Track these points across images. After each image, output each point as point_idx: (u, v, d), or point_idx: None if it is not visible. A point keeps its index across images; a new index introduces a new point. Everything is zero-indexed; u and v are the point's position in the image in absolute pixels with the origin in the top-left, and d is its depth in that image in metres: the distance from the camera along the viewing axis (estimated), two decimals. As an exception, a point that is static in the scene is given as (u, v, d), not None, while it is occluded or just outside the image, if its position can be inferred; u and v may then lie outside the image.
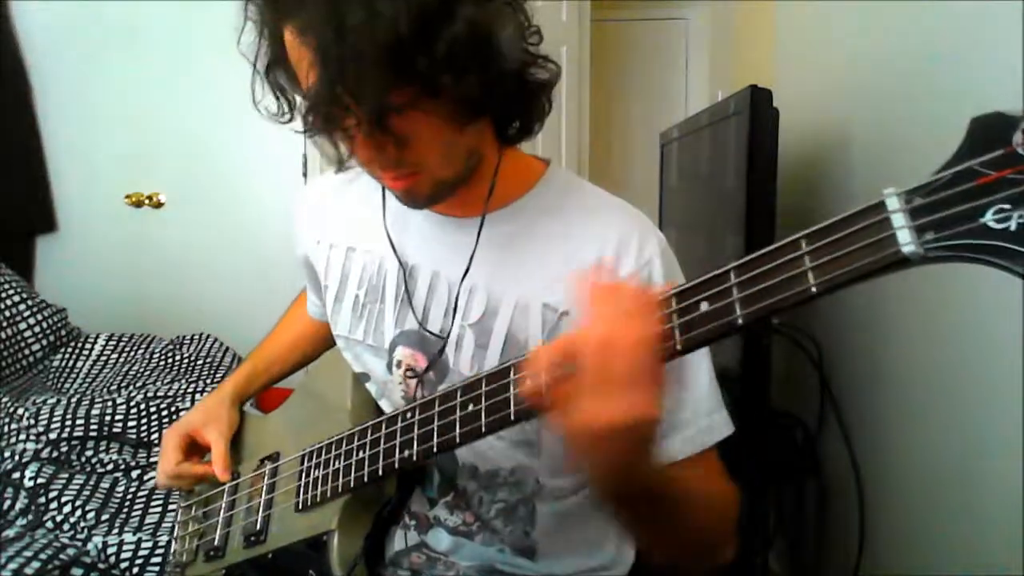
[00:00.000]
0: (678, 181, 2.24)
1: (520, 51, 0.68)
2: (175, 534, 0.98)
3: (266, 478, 0.87)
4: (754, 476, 1.59)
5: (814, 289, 0.44)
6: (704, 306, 0.49)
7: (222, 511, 0.91)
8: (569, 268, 0.77)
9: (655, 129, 2.64)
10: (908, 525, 1.44)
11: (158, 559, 1.18)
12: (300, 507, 0.80)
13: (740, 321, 0.48)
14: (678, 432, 0.77)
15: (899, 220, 0.41)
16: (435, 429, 0.65)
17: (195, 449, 0.97)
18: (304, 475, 0.81)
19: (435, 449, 0.65)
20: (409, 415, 0.68)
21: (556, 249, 0.79)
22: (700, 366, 0.78)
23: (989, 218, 0.39)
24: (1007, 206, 0.38)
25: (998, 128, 0.39)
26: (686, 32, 3.87)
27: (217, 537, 0.89)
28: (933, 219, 0.40)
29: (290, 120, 0.74)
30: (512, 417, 0.59)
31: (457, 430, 0.63)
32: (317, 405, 0.89)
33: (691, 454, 0.77)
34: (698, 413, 0.78)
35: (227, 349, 2.14)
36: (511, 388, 0.59)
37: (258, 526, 0.84)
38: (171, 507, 1.34)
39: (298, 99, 0.71)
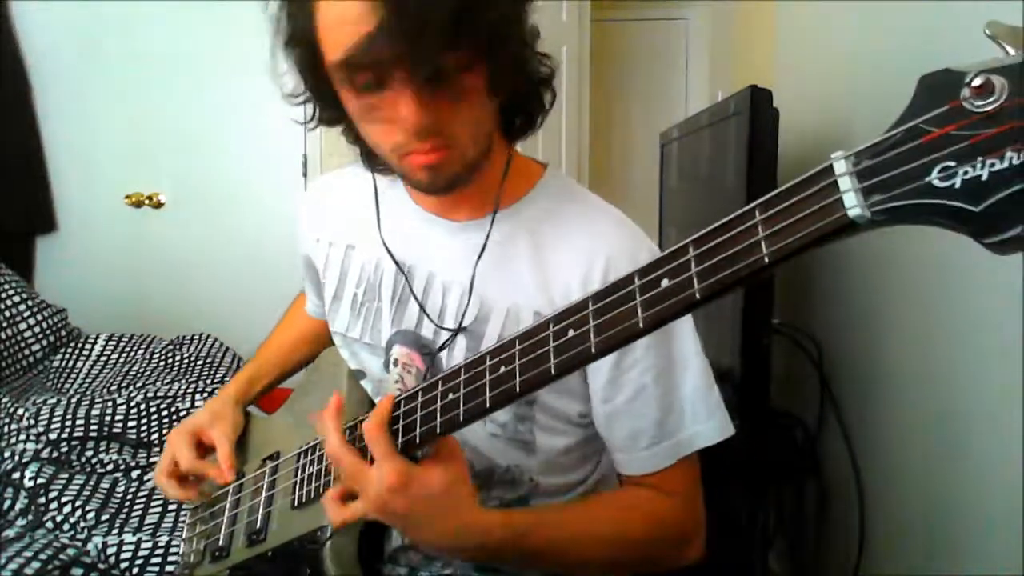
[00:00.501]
0: (678, 181, 2.24)
1: (537, 35, 0.74)
2: (183, 535, 0.98)
3: (267, 477, 0.88)
4: (754, 476, 1.59)
5: (767, 259, 0.43)
6: (665, 283, 0.49)
7: (227, 511, 0.92)
8: (561, 279, 0.78)
9: (655, 129, 2.64)
10: (908, 525, 1.44)
11: (158, 559, 1.18)
12: (296, 504, 0.81)
13: (698, 296, 0.47)
14: (653, 445, 0.78)
15: (846, 183, 0.40)
16: (417, 419, 0.65)
17: (201, 449, 0.96)
18: (300, 472, 0.82)
19: (417, 440, 0.65)
20: (394, 408, 0.68)
21: (549, 258, 0.79)
22: (686, 376, 0.79)
23: (934, 177, 0.38)
24: (952, 163, 0.37)
25: (946, 84, 0.38)
26: (686, 32, 3.87)
27: (222, 537, 0.90)
28: (879, 180, 0.39)
29: (305, 101, 0.75)
30: (488, 405, 0.59)
31: (438, 419, 0.63)
32: (316, 403, 0.90)
33: (658, 468, 0.79)
34: (678, 426, 0.78)
35: (227, 349, 2.14)
36: (487, 375, 0.60)
37: (259, 525, 0.85)
38: (171, 507, 1.34)
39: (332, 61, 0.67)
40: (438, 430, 0.63)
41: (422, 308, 0.83)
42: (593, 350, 0.52)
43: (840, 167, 0.41)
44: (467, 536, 0.67)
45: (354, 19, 0.62)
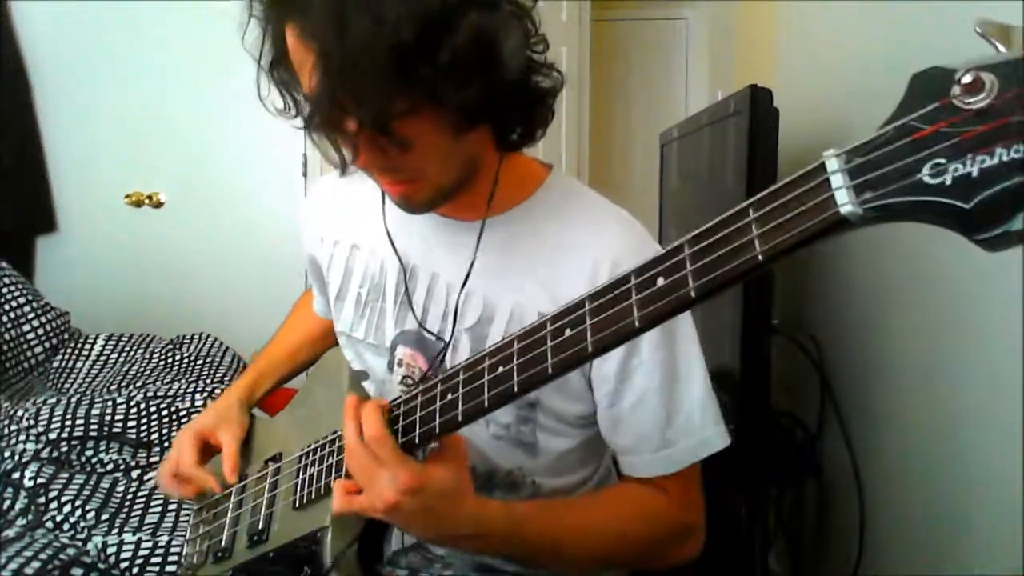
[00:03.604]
0: (678, 181, 2.24)
1: (524, 60, 0.68)
2: (186, 536, 0.98)
3: (269, 478, 0.88)
4: (754, 476, 1.59)
5: (760, 257, 0.43)
6: (660, 281, 0.49)
7: (230, 512, 0.92)
8: (565, 278, 0.77)
9: (655, 129, 2.64)
10: (908, 526, 1.44)
11: (158, 559, 1.18)
12: (297, 504, 0.81)
13: (693, 295, 0.47)
14: (662, 449, 0.78)
15: (838, 180, 0.40)
16: (417, 420, 0.65)
17: (207, 451, 0.96)
18: (301, 473, 0.82)
19: (416, 440, 0.65)
20: (394, 409, 0.68)
21: (553, 258, 0.79)
22: (691, 381, 0.78)
23: (925, 174, 0.37)
24: (942, 160, 0.37)
25: (936, 81, 0.38)
26: (686, 32, 3.87)
27: (224, 538, 0.90)
28: (871, 178, 0.39)
29: (296, 116, 0.74)
30: (486, 404, 0.60)
31: (437, 419, 0.63)
32: (318, 405, 0.90)
33: (669, 472, 0.79)
34: (688, 431, 0.78)
35: (227, 349, 2.14)
36: (485, 375, 0.60)
37: (260, 526, 0.85)
38: (171, 507, 1.34)
39: (300, 98, 0.71)
40: (436, 431, 0.64)
41: (416, 309, 0.83)
42: (590, 349, 0.53)
43: (832, 164, 0.41)
44: (470, 528, 0.68)
45: (300, 62, 0.63)
